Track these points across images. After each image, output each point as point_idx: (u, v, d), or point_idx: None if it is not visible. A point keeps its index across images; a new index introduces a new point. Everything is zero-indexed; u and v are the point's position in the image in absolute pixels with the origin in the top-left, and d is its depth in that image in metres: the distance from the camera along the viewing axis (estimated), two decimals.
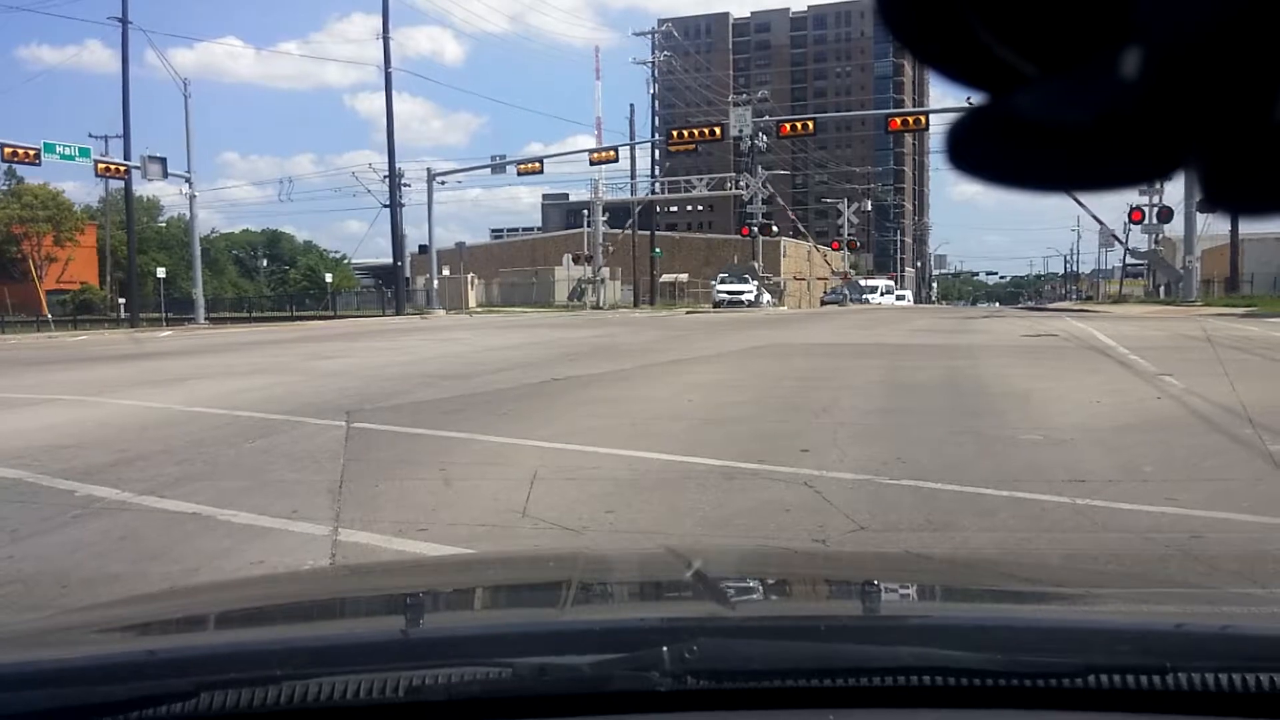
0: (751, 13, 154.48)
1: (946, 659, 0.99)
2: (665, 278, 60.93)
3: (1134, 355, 11.94)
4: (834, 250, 58.70)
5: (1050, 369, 10.91)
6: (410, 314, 36.92)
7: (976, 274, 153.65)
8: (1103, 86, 0.38)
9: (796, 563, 2.29)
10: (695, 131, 33.46)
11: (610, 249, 46.28)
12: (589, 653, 1.03)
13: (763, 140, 52.13)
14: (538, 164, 35.85)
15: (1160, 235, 34.61)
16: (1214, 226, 35.26)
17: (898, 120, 30.96)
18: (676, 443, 6.09)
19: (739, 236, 72.01)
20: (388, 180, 36.23)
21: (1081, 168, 0.42)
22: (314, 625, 1.53)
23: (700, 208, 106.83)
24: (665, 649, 0.98)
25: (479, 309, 44.80)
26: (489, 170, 37.49)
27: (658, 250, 52.23)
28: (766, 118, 38.04)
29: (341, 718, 0.94)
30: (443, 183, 39.18)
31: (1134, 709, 0.95)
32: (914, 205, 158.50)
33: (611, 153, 35.59)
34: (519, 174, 36.09)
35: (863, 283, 63.08)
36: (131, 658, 1.14)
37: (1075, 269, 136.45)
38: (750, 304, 40.43)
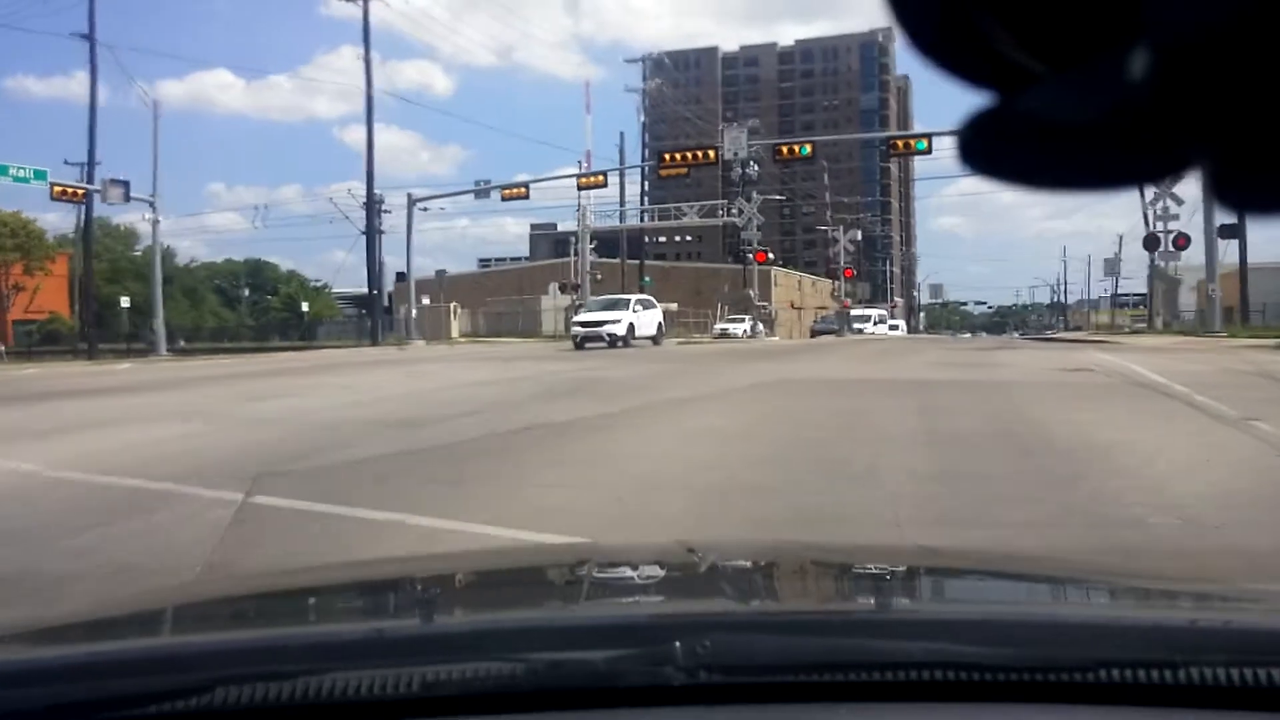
0: (740, 47, 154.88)
1: (958, 654, 1.00)
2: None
3: (1199, 395, 10.30)
4: (831, 279, 56.57)
5: (1114, 414, 9.26)
6: (389, 344, 35.17)
7: (964, 304, 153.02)
8: (1113, 84, 0.38)
9: (809, 557, 2.17)
10: (688, 154, 32.00)
11: (598, 277, 44.68)
12: (602, 647, 1.04)
13: (754, 169, 50.99)
14: (523, 189, 34.26)
15: (1163, 264, 33.15)
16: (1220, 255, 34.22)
17: (900, 142, 29.50)
18: (681, 530, 4.37)
19: (729, 265, 70.76)
20: (366, 205, 34.48)
21: (1092, 166, 0.42)
22: (329, 620, 1.54)
23: (689, 238, 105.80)
24: (678, 644, 0.98)
25: (462, 339, 43.11)
26: (473, 196, 35.93)
27: (647, 279, 50.66)
28: (757, 146, 36.63)
29: (356, 713, 0.94)
30: (424, 209, 37.64)
31: (1145, 704, 0.95)
32: (901, 236, 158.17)
33: (600, 177, 34.10)
34: (504, 199, 34.53)
35: (855, 312, 61.23)
36: (147, 653, 1.15)
37: (1064, 299, 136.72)
38: (617, 339, 28.49)
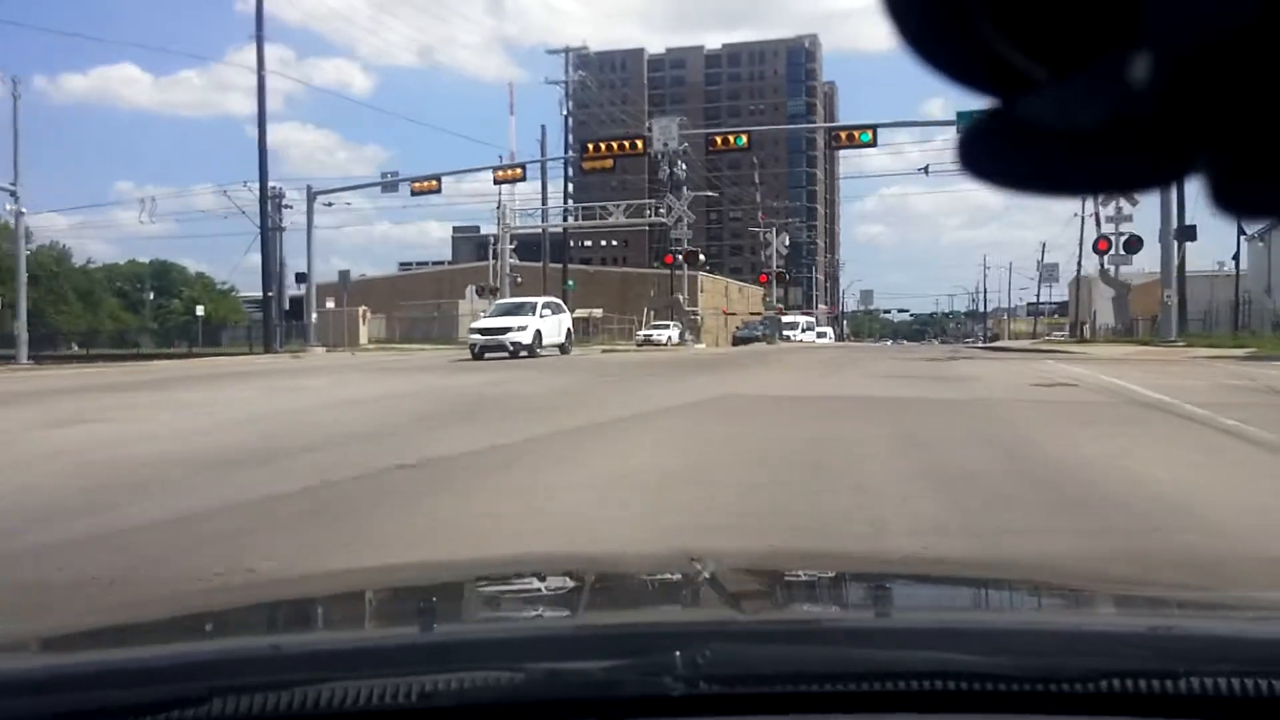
0: (667, 49, 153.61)
1: (959, 663, 0.99)
2: (579, 313, 57.05)
3: (1224, 418, 8.52)
4: (762, 283, 53.20)
5: (1142, 444, 7.41)
6: (287, 351, 32.29)
7: (888, 311, 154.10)
8: (1114, 89, 0.38)
9: (809, 567, 2.18)
10: (614, 145, 29.77)
11: (519, 280, 42.26)
12: (601, 657, 1.02)
13: (682, 169, 49.16)
14: (434, 182, 31.66)
15: (1112, 268, 31.87)
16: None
17: (843, 134, 27.72)
18: None
19: (657, 270, 69.47)
20: (260, 199, 31.55)
21: (1092, 171, 0.43)
22: (326, 629, 1.54)
23: (615, 242, 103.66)
24: (678, 653, 0.97)
25: (371, 346, 40.32)
26: (380, 190, 33.27)
27: (571, 283, 48.44)
28: (687, 140, 34.60)
29: None
30: (329, 204, 34.81)
31: (1146, 714, 0.94)
32: (825, 243, 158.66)
33: (518, 170, 31.68)
34: (414, 192, 31.93)
35: (784, 319, 59.23)
36: (142, 662, 1.14)
37: (984, 307, 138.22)
38: (521, 348, 24.69)
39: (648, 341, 44.39)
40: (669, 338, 45.39)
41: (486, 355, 24.69)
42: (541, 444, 7.42)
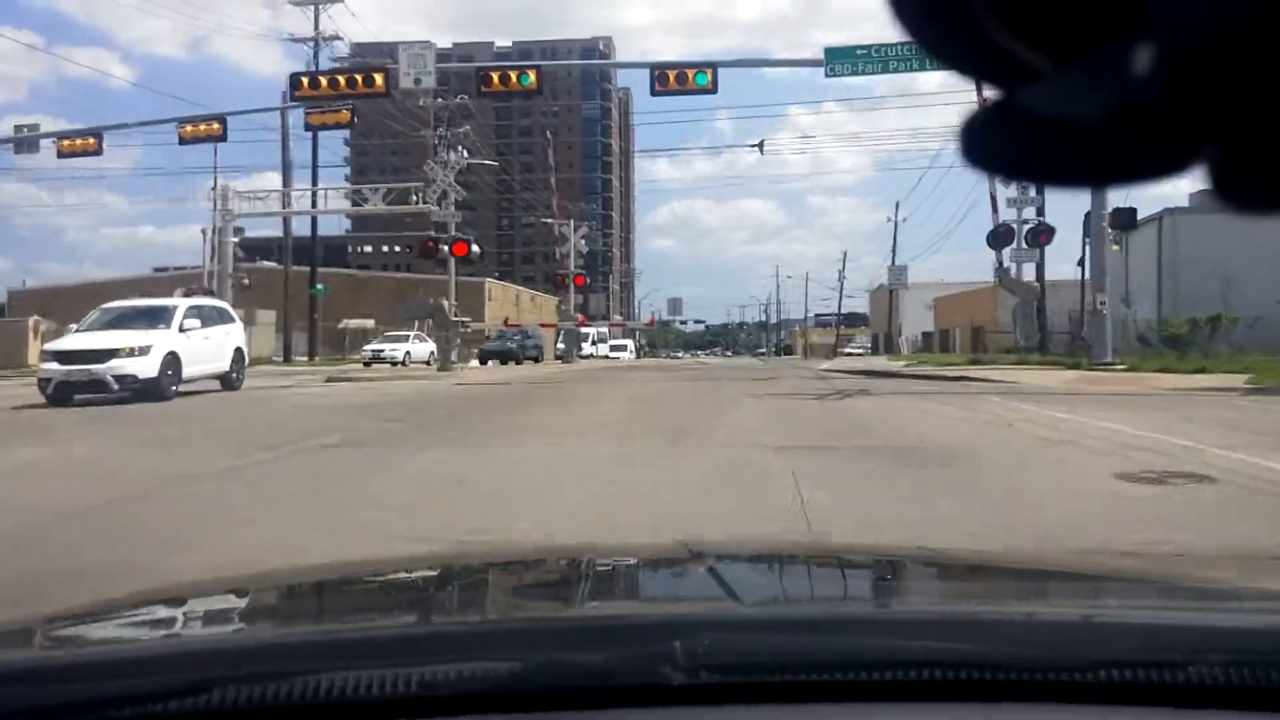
0: (454, 44, 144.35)
1: (956, 653, 0.99)
2: (351, 324, 47.87)
3: None
4: (558, 285, 43.38)
5: None
6: None
7: (685, 322, 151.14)
8: (1117, 80, 0.38)
9: (808, 557, 2.14)
10: (342, 80, 21.33)
11: (246, 283, 33.09)
12: (601, 647, 1.03)
13: (464, 155, 41.04)
14: (92, 140, 22.38)
15: (1013, 266, 25.55)
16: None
17: (673, 74, 20.50)
18: None
19: (439, 275, 61.99)
20: None
21: (1094, 161, 0.42)
22: (325, 620, 1.52)
23: (399, 248, 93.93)
24: (677, 643, 0.97)
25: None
26: (13, 149, 23.55)
27: (321, 287, 39.52)
28: (451, 74, 26.80)
29: (353, 712, 0.93)
30: None
31: (1146, 703, 0.94)
32: (621, 252, 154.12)
33: (215, 126, 22.83)
34: (60, 153, 22.55)
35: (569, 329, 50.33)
36: (142, 652, 1.14)
37: (778, 318, 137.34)
38: (133, 382, 14.75)
39: (377, 359, 35.13)
40: (406, 354, 35.81)
41: (76, 398, 14.77)
42: None
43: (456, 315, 21.97)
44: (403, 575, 1.92)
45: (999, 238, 24.24)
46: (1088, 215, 21.60)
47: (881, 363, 31.98)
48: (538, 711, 0.94)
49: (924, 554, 2.42)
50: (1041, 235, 24.44)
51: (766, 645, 1.04)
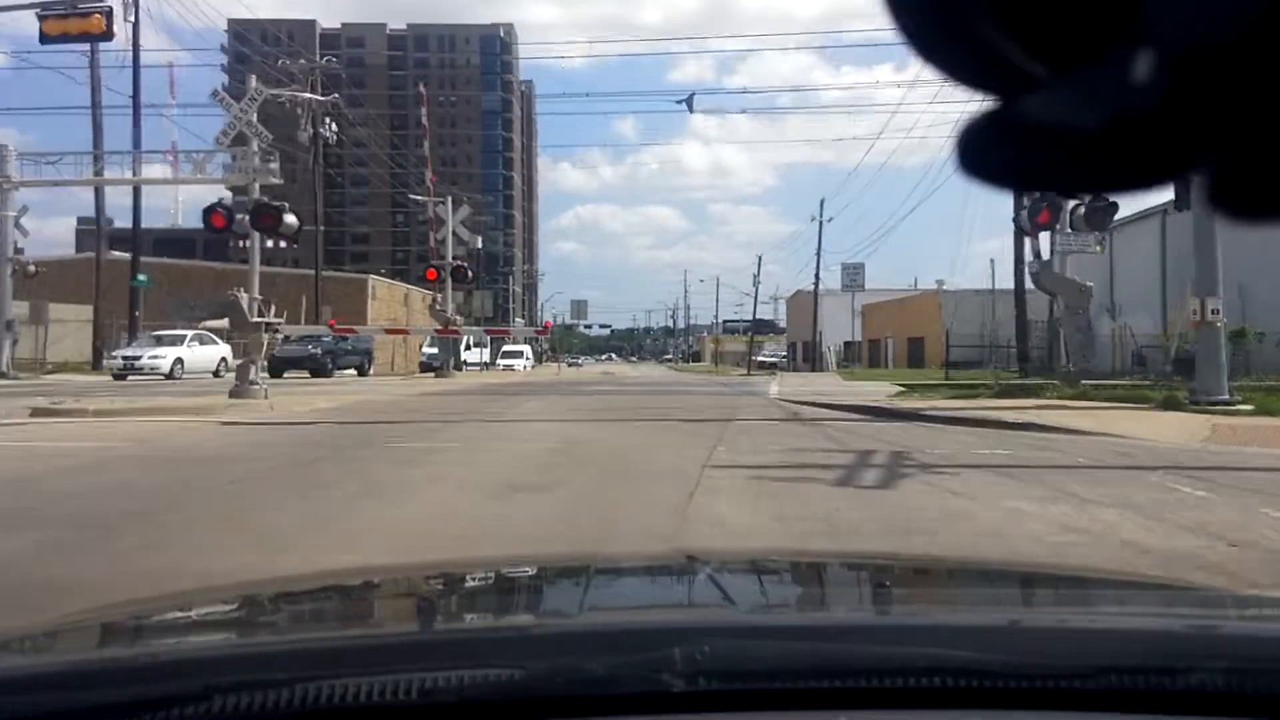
0: (342, 24, 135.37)
1: (957, 660, 0.99)
2: (210, 324, 40.40)
3: None
4: (430, 278, 34.02)
5: None
6: None
7: (590, 326, 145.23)
8: (1115, 89, 0.38)
9: (807, 564, 2.17)
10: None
11: (31, 269, 25.84)
12: (601, 654, 1.03)
13: (331, 130, 34.19)
14: None
15: (1059, 264, 20.51)
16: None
17: None
18: None
19: (353, 273, 55.42)
20: None
21: (1091, 171, 0.42)
22: (325, 627, 1.51)
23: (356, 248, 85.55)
24: (677, 650, 0.97)
25: None
26: None
27: (143, 278, 32.26)
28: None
29: (352, 719, 0.93)
30: None
31: (1144, 710, 0.94)
32: (524, 253, 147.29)
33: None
34: None
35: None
36: (140, 660, 1.14)
37: (686, 323, 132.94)
38: None
39: (131, 369, 28.40)
40: (177, 363, 29.08)
41: None
42: None
43: (262, 314, 14.97)
44: (403, 582, 1.90)
45: (1034, 220, 16.12)
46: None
47: (840, 385, 25.48)
48: (538, 718, 0.94)
49: (924, 561, 2.50)
50: (1097, 214, 15.67)
51: (766, 652, 1.05)
